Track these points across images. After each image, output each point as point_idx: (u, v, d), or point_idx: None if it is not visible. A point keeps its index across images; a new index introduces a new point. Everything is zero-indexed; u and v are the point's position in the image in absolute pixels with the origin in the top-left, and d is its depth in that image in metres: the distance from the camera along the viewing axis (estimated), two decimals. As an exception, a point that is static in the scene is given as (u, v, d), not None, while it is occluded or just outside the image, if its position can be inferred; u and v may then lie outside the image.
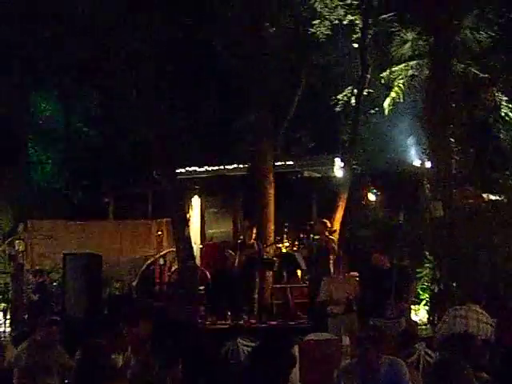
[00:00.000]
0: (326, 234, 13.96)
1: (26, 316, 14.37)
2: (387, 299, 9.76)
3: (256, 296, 13.90)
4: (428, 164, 15.80)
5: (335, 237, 14.76)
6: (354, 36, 17.41)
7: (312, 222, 14.64)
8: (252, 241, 14.26)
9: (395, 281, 9.81)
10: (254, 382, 4.75)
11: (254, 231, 14.42)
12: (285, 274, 14.97)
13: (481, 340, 7.36)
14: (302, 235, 16.20)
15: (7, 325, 14.75)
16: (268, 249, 14.76)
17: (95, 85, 21.24)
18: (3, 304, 15.37)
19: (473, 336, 5.92)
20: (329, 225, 14.18)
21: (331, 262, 13.41)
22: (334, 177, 18.24)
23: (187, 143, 20.74)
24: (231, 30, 17.91)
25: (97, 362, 5.53)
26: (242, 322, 13.56)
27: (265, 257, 14.36)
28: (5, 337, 12.67)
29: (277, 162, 17.53)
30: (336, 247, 13.99)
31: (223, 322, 13.82)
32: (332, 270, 12.93)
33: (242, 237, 14.85)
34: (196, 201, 18.55)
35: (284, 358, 4.84)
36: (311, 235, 14.14)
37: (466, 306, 8.70)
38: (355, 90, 17.43)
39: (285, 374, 4.85)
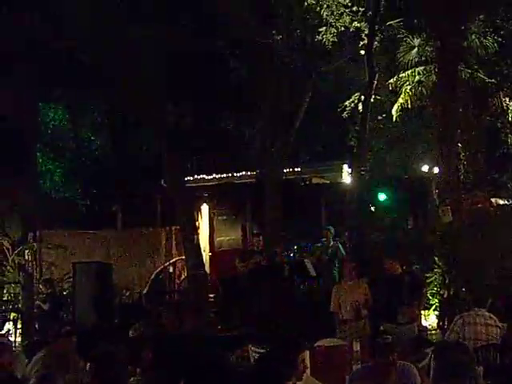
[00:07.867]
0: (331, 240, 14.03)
1: (37, 326, 14.36)
2: (399, 305, 9.76)
3: (263, 302, 13.88)
4: (436, 169, 15.79)
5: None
6: (361, 42, 17.44)
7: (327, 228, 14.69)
8: (260, 248, 14.27)
9: (406, 286, 9.81)
10: None
11: (261, 238, 14.44)
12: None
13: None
14: (309, 242, 16.23)
15: (17, 334, 14.76)
16: (276, 255, 14.73)
17: (102, 95, 21.31)
18: (13, 314, 15.38)
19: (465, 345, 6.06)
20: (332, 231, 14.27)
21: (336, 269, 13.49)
22: (343, 183, 18.26)
23: (196, 152, 20.77)
24: (239, 37, 17.95)
25: (112, 370, 5.52)
26: (252, 329, 13.55)
27: (274, 263, 14.34)
28: (15, 346, 12.64)
29: (285, 168, 17.57)
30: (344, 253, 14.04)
31: (233, 329, 13.80)
32: (339, 276, 12.99)
33: (251, 244, 14.90)
34: (205, 208, 18.59)
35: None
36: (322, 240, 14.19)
37: (473, 312, 8.77)
38: (362, 97, 17.45)
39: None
